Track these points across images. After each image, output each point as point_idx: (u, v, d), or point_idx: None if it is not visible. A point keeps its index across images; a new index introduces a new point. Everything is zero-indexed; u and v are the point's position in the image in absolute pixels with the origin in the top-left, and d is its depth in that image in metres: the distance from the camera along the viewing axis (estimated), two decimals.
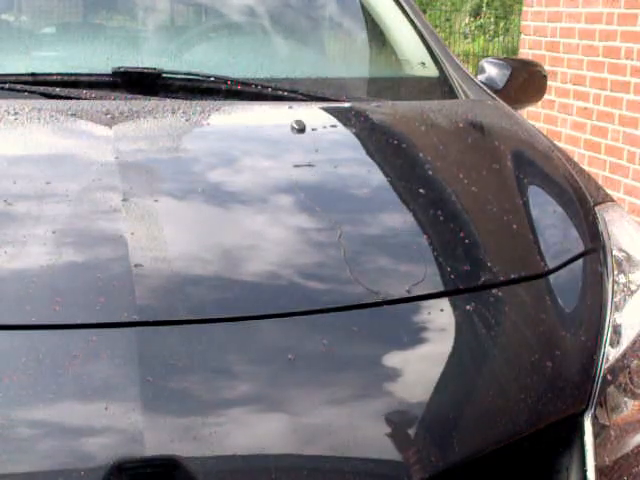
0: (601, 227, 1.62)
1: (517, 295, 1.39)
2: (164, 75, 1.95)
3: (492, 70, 2.44)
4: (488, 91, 2.24)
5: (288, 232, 1.40)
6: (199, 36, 2.34)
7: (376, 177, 1.68)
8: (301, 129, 1.73)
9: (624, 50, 4.56)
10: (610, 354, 1.39)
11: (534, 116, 5.21)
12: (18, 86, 1.85)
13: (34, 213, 1.41)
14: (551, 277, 1.45)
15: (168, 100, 1.85)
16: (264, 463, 1.12)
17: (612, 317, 1.43)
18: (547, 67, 4.67)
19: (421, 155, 1.78)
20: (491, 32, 10.34)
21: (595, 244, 1.57)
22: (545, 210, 1.64)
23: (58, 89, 1.84)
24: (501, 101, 2.20)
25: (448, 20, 10.26)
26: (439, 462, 1.16)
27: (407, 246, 1.43)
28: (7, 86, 1.84)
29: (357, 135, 1.86)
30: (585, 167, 4.37)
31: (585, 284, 1.50)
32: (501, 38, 10.00)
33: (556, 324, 1.38)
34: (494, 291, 1.38)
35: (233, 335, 1.21)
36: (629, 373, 1.41)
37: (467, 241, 1.46)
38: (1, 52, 2.12)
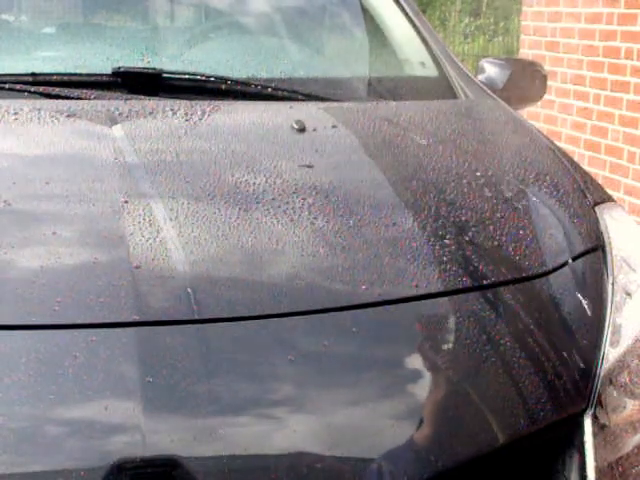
0: (601, 227, 1.62)
1: (517, 295, 1.39)
2: (164, 75, 1.95)
3: (492, 70, 2.44)
4: (488, 91, 2.24)
5: (290, 233, 1.40)
6: (199, 36, 2.34)
7: (376, 178, 1.67)
8: (301, 129, 1.73)
9: (624, 50, 4.56)
10: (610, 354, 1.39)
11: (534, 116, 5.21)
12: (18, 86, 1.85)
13: (34, 214, 1.41)
14: (551, 277, 1.45)
15: (168, 100, 1.86)
16: (264, 463, 1.12)
17: (612, 317, 1.43)
18: (547, 67, 4.66)
19: (421, 155, 1.78)
20: (491, 32, 10.33)
21: (595, 244, 1.57)
22: (545, 210, 1.64)
23: (58, 89, 1.84)
24: (501, 101, 2.20)
25: (444, 23, 10.25)
26: (439, 462, 1.16)
27: (407, 246, 1.42)
28: (7, 86, 1.84)
29: (357, 135, 1.86)
30: (585, 167, 4.37)
31: (585, 284, 1.50)
32: (501, 38, 9.99)
33: (556, 324, 1.39)
34: (494, 291, 1.38)
35: (233, 335, 1.21)
36: (629, 373, 1.41)
37: (467, 241, 1.46)
38: (1, 52, 2.12)
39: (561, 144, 4.83)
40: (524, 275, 1.43)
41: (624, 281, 1.51)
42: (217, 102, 1.89)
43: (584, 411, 1.32)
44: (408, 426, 1.19)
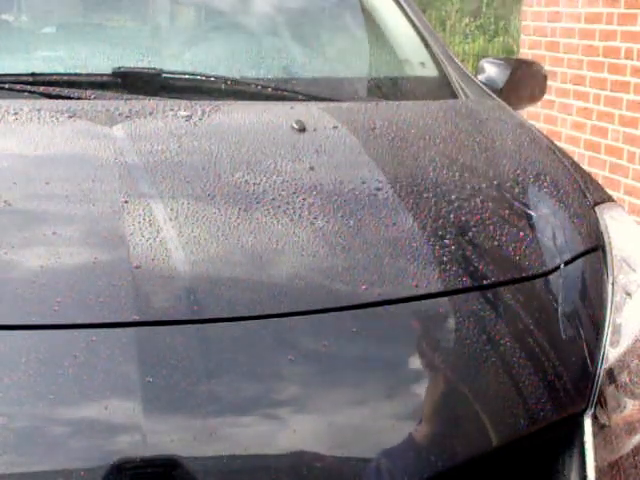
0: (601, 227, 1.62)
1: (517, 295, 1.39)
2: (164, 75, 1.95)
3: (492, 70, 2.44)
4: (488, 91, 2.24)
5: (290, 233, 1.40)
6: (199, 36, 2.34)
7: (377, 178, 1.67)
8: (302, 129, 1.73)
9: (624, 50, 4.56)
10: (610, 354, 1.39)
11: (534, 116, 5.21)
12: (18, 86, 1.85)
13: (35, 214, 1.41)
14: (551, 277, 1.45)
15: (168, 100, 1.86)
16: (264, 463, 1.12)
17: (612, 317, 1.44)
18: (547, 67, 4.66)
19: (421, 156, 1.78)
20: (491, 32, 10.33)
21: (595, 244, 1.57)
22: (545, 210, 1.64)
23: (58, 89, 1.84)
24: (501, 101, 2.20)
25: (444, 23, 10.26)
26: (439, 462, 1.16)
27: (407, 246, 1.42)
28: (7, 86, 1.84)
29: (358, 135, 1.86)
30: (585, 167, 4.37)
31: (585, 284, 1.50)
32: (501, 38, 10.00)
33: (556, 324, 1.38)
34: (494, 291, 1.38)
35: (233, 335, 1.21)
36: (629, 373, 1.41)
37: (467, 241, 1.46)
38: (1, 52, 2.12)
39: (561, 144, 4.83)
40: (524, 275, 1.43)
41: (624, 281, 1.52)
42: (217, 102, 1.89)
43: (584, 411, 1.32)
44: (408, 426, 1.19)
